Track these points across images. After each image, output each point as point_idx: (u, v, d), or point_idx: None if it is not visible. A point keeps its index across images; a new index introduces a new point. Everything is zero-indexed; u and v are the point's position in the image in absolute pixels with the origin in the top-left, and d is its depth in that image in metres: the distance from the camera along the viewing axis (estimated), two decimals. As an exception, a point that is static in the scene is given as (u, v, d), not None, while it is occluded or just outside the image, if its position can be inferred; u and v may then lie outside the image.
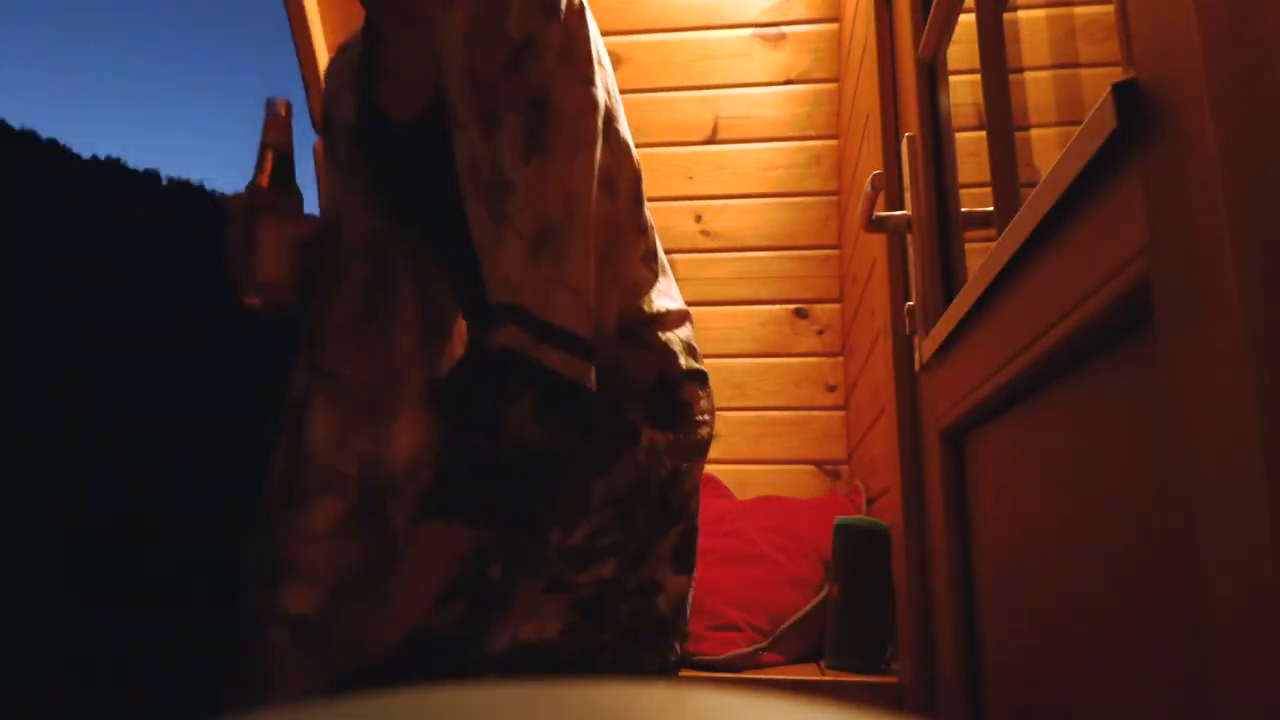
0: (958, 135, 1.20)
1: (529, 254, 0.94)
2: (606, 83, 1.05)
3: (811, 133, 2.30)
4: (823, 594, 1.47)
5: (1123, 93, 0.53)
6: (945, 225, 1.16)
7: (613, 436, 1.04)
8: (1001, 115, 0.90)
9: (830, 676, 1.28)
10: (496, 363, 0.92)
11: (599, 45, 1.04)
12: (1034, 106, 1.59)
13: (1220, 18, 0.43)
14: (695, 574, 1.09)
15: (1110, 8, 0.57)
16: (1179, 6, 0.46)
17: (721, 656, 1.35)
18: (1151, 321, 0.51)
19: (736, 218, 2.28)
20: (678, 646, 1.05)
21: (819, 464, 2.13)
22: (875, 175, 1.23)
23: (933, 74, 1.23)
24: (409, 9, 1.07)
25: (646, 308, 1.08)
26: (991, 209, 0.90)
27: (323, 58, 2.42)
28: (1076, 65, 1.58)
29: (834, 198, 2.26)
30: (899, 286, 1.34)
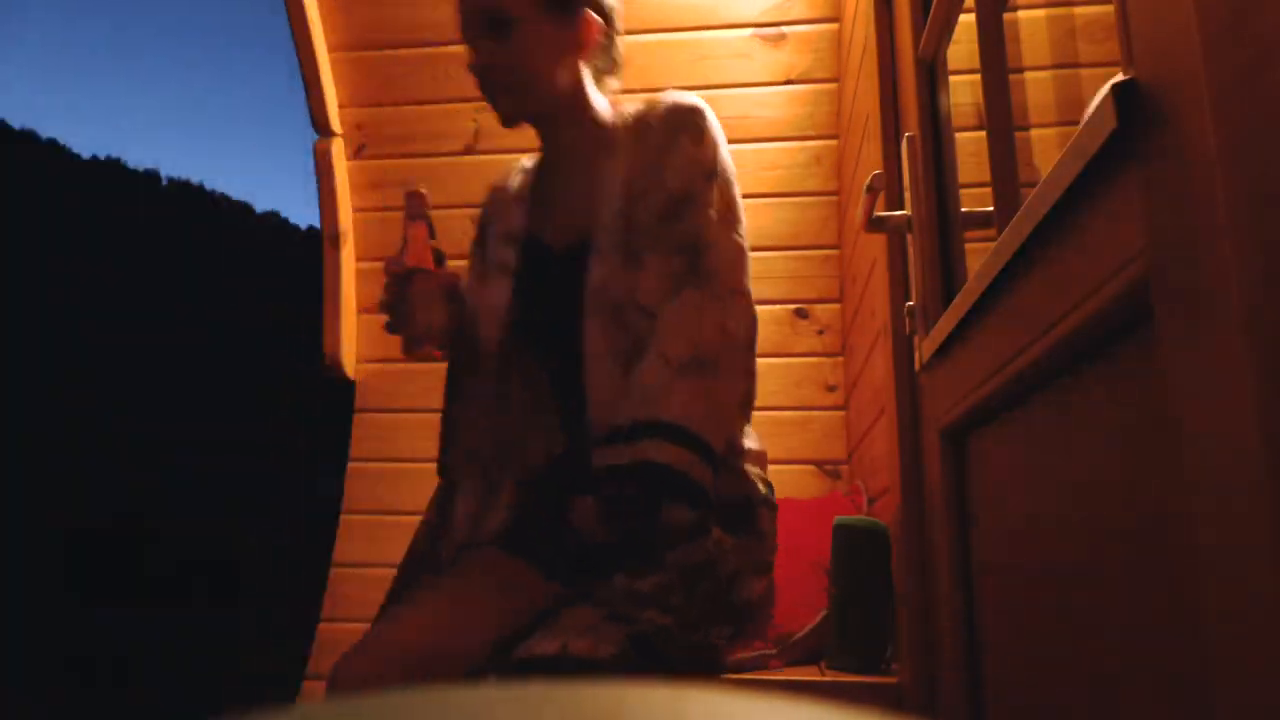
0: (958, 135, 1.20)
1: (676, 375, 1.07)
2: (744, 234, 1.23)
3: (811, 133, 2.30)
4: (824, 613, 1.48)
5: (1122, 93, 0.53)
6: (945, 225, 1.16)
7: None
8: (1001, 115, 0.90)
9: (830, 676, 1.28)
10: (630, 473, 1.04)
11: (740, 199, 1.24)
12: (1034, 106, 1.59)
13: (1220, 18, 0.43)
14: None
15: (1110, 8, 0.57)
16: (1179, 6, 0.46)
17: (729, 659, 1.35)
18: (1151, 321, 0.51)
19: (736, 218, 2.28)
20: None
21: (819, 464, 2.13)
22: (875, 175, 1.23)
23: (933, 74, 1.23)
24: (581, 152, 1.26)
25: (739, 442, 1.21)
26: (991, 209, 0.90)
27: (323, 58, 2.42)
28: (1076, 65, 1.58)
29: (834, 198, 2.26)
30: (899, 286, 1.34)
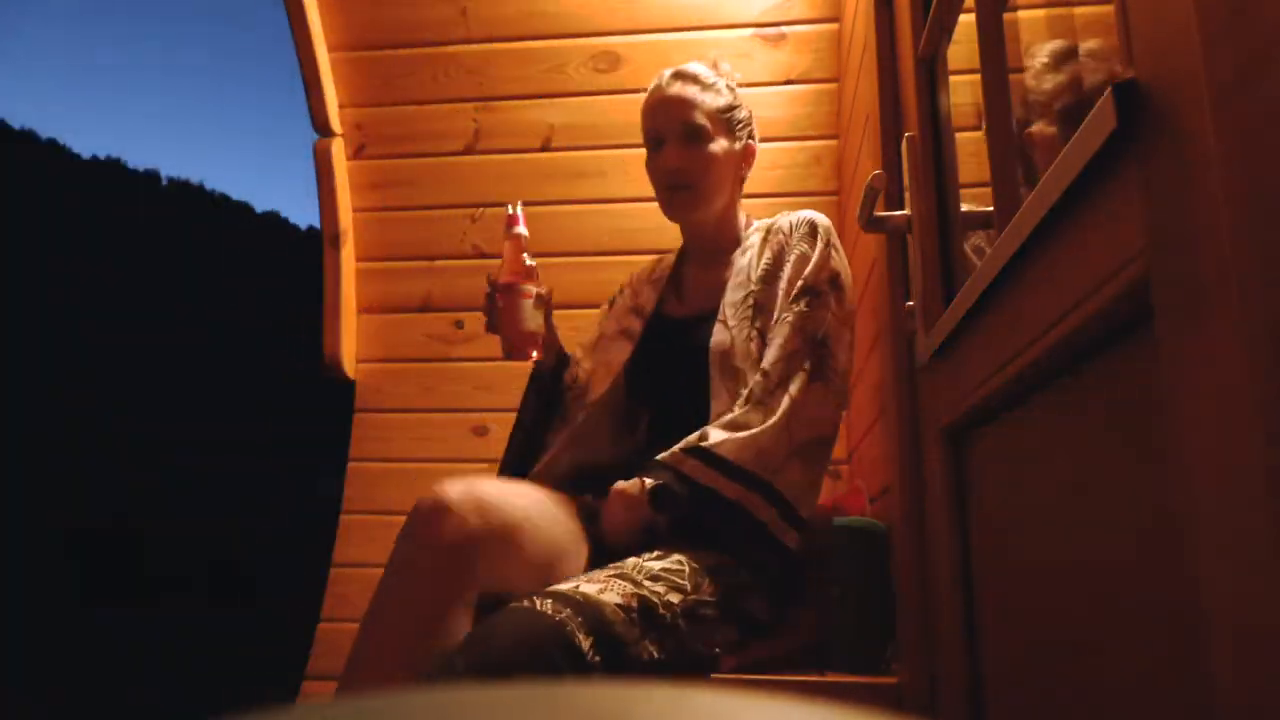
0: (958, 135, 1.20)
1: (794, 453, 1.28)
2: None
3: (811, 133, 2.30)
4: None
5: (1122, 93, 0.53)
6: (945, 225, 1.16)
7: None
8: (1001, 115, 0.90)
9: (830, 676, 1.28)
10: (729, 506, 1.24)
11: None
12: (1034, 106, 1.58)
13: (1220, 18, 0.43)
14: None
15: (1110, 8, 0.57)
16: (1179, 6, 0.46)
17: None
18: (1151, 321, 0.51)
19: (736, 218, 2.28)
20: None
21: (819, 464, 2.13)
22: (875, 175, 1.23)
23: (933, 74, 1.23)
24: (720, 249, 1.52)
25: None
26: (991, 209, 0.90)
27: (323, 57, 2.42)
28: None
29: (834, 198, 2.26)
30: (899, 286, 1.34)
